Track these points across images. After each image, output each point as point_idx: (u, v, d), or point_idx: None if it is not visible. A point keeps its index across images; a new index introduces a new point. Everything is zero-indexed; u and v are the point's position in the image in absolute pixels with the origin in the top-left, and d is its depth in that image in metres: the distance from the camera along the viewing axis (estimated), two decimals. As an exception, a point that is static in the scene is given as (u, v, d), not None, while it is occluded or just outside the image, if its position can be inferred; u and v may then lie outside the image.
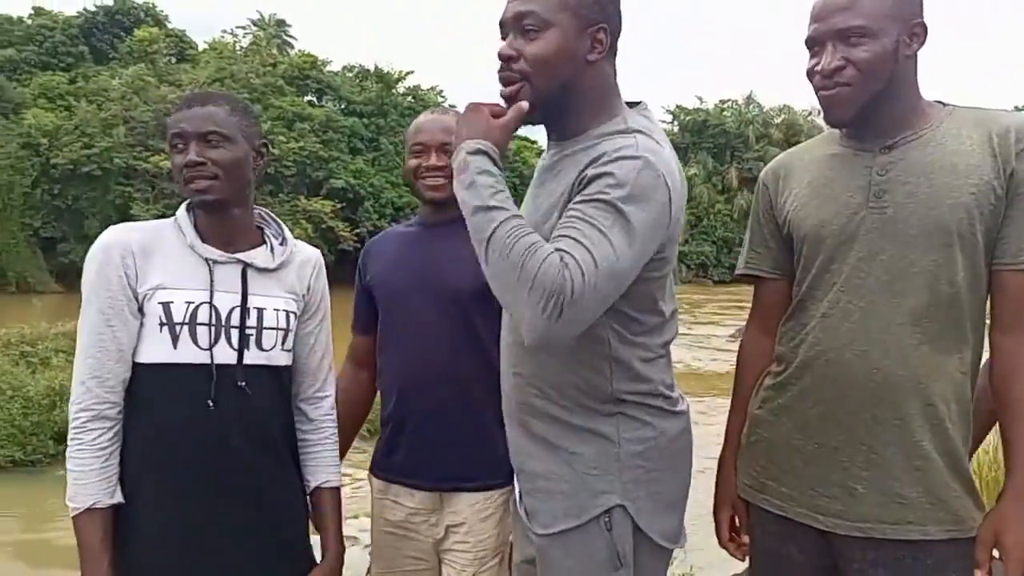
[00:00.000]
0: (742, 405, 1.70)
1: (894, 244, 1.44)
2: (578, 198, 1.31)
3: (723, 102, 49.32)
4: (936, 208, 1.41)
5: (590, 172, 1.33)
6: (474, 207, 1.31)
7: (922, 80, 1.50)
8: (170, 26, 38.80)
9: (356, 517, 3.73)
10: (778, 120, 46.64)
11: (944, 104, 1.51)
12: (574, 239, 1.25)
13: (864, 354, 1.45)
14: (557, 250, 1.25)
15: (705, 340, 15.93)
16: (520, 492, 1.61)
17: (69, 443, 1.53)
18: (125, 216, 28.08)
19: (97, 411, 1.52)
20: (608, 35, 1.42)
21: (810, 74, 1.49)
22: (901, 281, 1.43)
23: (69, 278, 28.25)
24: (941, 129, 1.46)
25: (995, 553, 1.42)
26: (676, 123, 47.71)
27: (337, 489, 1.78)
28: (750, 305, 1.76)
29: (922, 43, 1.45)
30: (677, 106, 48.48)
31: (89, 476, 1.51)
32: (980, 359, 1.48)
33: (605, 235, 1.25)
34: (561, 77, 1.40)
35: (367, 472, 2.10)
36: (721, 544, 1.73)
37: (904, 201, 1.43)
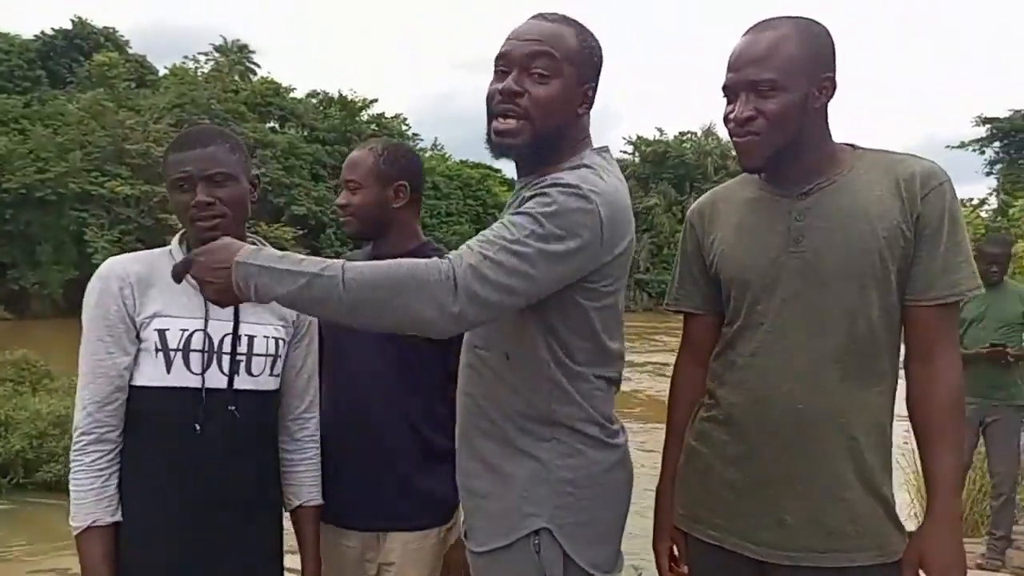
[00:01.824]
0: (676, 437, 1.75)
1: (813, 286, 1.50)
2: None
3: (683, 134, 50.32)
4: (851, 251, 1.48)
5: (526, 194, 1.42)
6: (302, 284, 1.27)
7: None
8: (130, 51, 38.44)
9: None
10: (735, 152, 47.60)
11: (854, 147, 1.58)
12: (475, 241, 1.33)
13: (789, 391, 1.51)
14: (456, 255, 1.31)
15: (667, 368, 16.08)
16: (462, 511, 1.66)
17: (71, 466, 1.61)
18: (79, 241, 27.54)
19: (97, 434, 1.60)
20: (593, 93, 1.54)
21: (726, 120, 1.56)
22: (821, 321, 1.50)
23: (19, 305, 27.45)
24: (852, 174, 1.53)
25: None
26: (637, 154, 48.45)
27: (318, 508, 1.83)
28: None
29: (831, 96, 1.52)
30: (638, 137, 49.39)
31: (87, 496, 1.59)
32: (896, 390, 1.55)
33: (510, 227, 1.33)
34: (557, 123, 1.49)
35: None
36: (661, 575, 1.75)
37: (821, 245, 1.50)
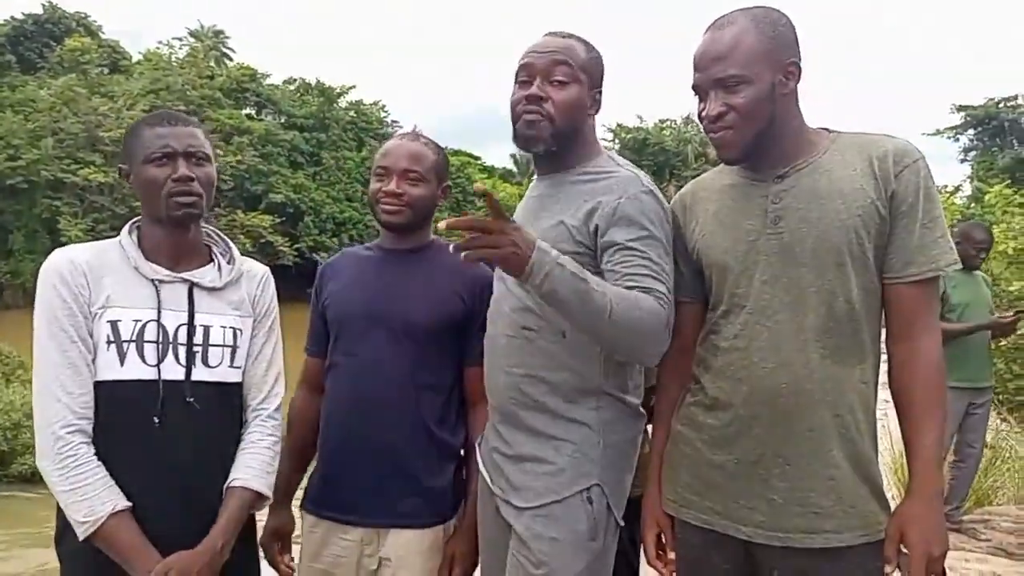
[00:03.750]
0: (663, 425, 1.76)
1: (792, 266, 1.53)
2: (626, 236, 1.61)
3: (662, 121, 50.48)
4: (827, 231, 1.50)
5: (621, 207, 1.62)
6: (582, 292, 1.47)
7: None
8: (103, 36, 37.77)
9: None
10: (713, 147, 47.79)
11: (829, 131, 1.61)
12: (647, 274, 1.58)
13: (773, 371, 1.53)
14: (643, 289, 1.56)
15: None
16: (491, 475, 1.77)
17: (57, 465, 1.51)
18: (52, 230, 27.13)
19: (78, 425, 1.53)
20: (600, 97, 1.79)
21: (700, 118, 1.60)
22: (801, 301, 1.52)
23: (-9, 295, 27.06)
24: (827, 156, 1.55)
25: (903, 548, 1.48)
26: (617, 141, 48.50)
27: (246, 490, 1.66)
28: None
29: (798, 80, 1.55)
30: (618, 124, 49.42)
31: (98, 486, 1.52)
32: (878, 370, 1.57)
33: (658, 261, 1.61)
34: (574, 123, 1.73)
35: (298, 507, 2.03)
36: (649, 563, 1.76)
37: (798, 226, 1.52)
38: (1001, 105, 34.25)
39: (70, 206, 28.21)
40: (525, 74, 1.73)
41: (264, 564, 1.94)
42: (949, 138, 35.76)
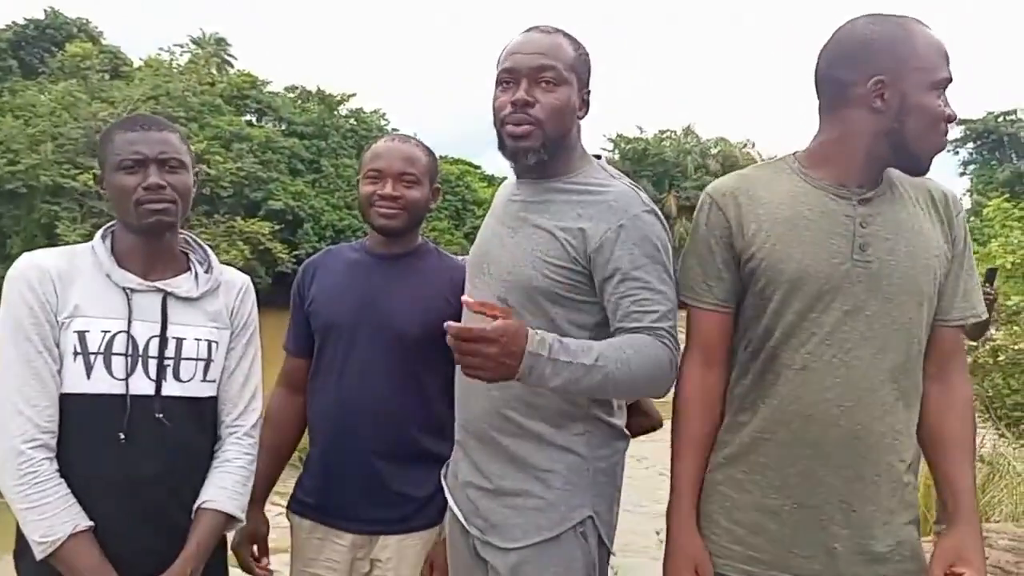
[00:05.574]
0: (694, 451, 1.57)
1: (878, 300, 1.44)
2: (630, 264, 1.53)
3: (662, 132, 50.49)
4: (913, 268, 1.45)
5: (625, 230, 1.54)
6: (579, 376, 1.43)
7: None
8: (104, 42, 37.78)
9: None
10: (715, 151, 47.92)
11: None
12: (650, 309, 1.52)
13: (849, 409, 1.43)
14: (647, 328, 1.51)
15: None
16: (464, 513, 1.67)
17: (17, 481, 1.45)
18: (51, 235, 27.09)
19: (42, 440, 1.48)
20: (589, 97, 1.70)
21: (947, 119, 1.43)
22: (883, 337, 1.44)
23: (-11, 299, 26.95)
24: (895, 187, 1.51)
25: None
26: (617, 151, 48.55)
27: (217, 512, 1.63)
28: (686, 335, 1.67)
29: None
30: (618, 134, 49.46)
31: (59, 505, 1.47)
32: None
33: (661, 289, 1.54)
34: (565, 127, 1.64)
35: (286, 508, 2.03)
36: None
37: (887, 257, 1.45)
38: (1000, 119, 34.41)
39: (69, 211, 28.13)
40: (509, 76, 1.62)
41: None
42: (948, 151, 35.83)
